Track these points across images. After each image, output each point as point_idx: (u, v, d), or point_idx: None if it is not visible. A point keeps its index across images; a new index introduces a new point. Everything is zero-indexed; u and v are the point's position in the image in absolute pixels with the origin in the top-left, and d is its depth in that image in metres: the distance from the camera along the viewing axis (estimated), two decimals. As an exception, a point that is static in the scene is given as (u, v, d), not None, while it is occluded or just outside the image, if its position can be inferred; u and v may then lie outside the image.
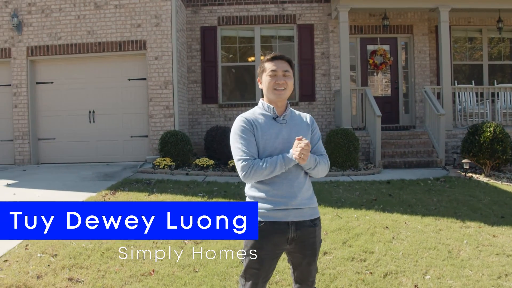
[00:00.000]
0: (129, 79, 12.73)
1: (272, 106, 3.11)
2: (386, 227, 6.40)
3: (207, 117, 14.31)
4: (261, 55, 14.45)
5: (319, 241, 3.18)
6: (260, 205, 2.99)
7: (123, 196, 8.10)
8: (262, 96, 3.22)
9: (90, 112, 12.82)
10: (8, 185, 9.46)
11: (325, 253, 5.37)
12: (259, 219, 2.99)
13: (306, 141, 2.89)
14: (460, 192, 8.74)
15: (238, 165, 2.98)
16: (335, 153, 11.21)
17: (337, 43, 13.88)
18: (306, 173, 3.14)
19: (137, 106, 12.79)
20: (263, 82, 3.14)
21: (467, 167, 10.62)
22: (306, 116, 3.25)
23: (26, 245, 5.47)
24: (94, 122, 12.83)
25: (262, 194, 3.01)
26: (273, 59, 3.12)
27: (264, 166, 2.94)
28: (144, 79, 12.64)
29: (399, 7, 13.58)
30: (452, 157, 12.43)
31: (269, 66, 3.10)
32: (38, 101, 12.93)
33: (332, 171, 10.98)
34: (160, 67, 12.38)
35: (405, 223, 6.65)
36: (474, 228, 6.49)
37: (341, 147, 11.19)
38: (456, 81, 14.58)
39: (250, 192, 3.08)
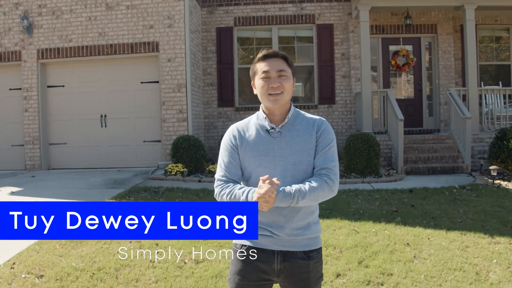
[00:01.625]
0: (142, 82, 12.35)
1: (264, 116, 2.61)
2: (407, 243, 5.87)
3: (223, 121, 13.88)
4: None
5: (317, 276, 2.63)
6: None
7: (128, 206, 7.67)
8: None
9: (102, 116, 12.47)
10: (12, 193, 9.13)
11: (338, 275, 4.86)
12: (242, 243, 2.59)
13: (264, 189, 2.33)
14: (487, 202, 8.14)
15: (214, 184, 2.61)
16: (354, 159, 10.69)
17: (357, 43, 13.34)
18: None
19: (150, 110, 12.41)
20: (256, 86, 2.61)
21: (495, 174, 10.00)
22: (315, 121, 2.62)
23: (13, 263, 5.08)
24: (106, 126, 12.48)
25: None
26: (264, 57, 2.58)
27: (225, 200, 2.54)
28: (157, 82, 12.25)
29: (423, 6, 12.97)
30: (478, 163, 11.79)
31: (260, 66, 2.57)
32: (49, 105, 12.63)
33: (351, 178, 10.49)
34: (173, 70, 11.98)
35: (428, 238, 6.10)
36: (504, 244, 5.92)
37: (361, 152, 10.65)
38: (482, 82, 13.92)
39: None
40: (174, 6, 11.94)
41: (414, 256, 5.44)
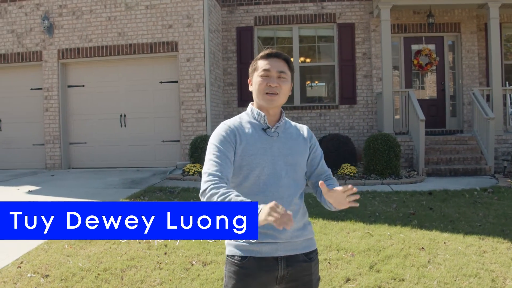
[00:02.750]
0: (161, 82, 12.36)
1: (263, 114, 2.52)
2: (422, 248, 5.71)
3: (243, 121, 13.80)
4: (300, 56, 13.88)
5: (317, 279, 2.58)
6: None
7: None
8: (253, 100, 2.62)
9: (121, 116, 12.51)
10: (30, 191, 9.19)
11: (348, 280, 4.74)
12: (241, 254, 2.44)
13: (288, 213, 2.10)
14: (509, 205, 7.91)
15: (203, 178, 2.38)
16: (374, 160, 10.52)
17: (379, 42, 13.14)
18: (301, 196, 2.55)
19: (169, 110, 12.41)
20: (254, 83, 2.54)
21: (519, 176, 9.77)
22: (303, 128, 2.66)
23: (21, 263, 5.07)
24: (125, 126, 12.51)
25: None
26: (267, 56, 2.52)
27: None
28: (176, 81, 12.24)
29: (445, 4, 12.71)
30: (502, 165, 11.52)
31: (262, 64, 2.51)
32: (69, 105, 12.73)
33: (371, 180, 10.32)
34: (192, 69, 11.95)
35: (444, 243, 5.93)
36: (523, 249, 5.74)
37: (380, 153, 10.48)
38: (507, 82, 13.60)
39: None
40: (193, 5, 11.91)
41: (428, 261, 5.28)
